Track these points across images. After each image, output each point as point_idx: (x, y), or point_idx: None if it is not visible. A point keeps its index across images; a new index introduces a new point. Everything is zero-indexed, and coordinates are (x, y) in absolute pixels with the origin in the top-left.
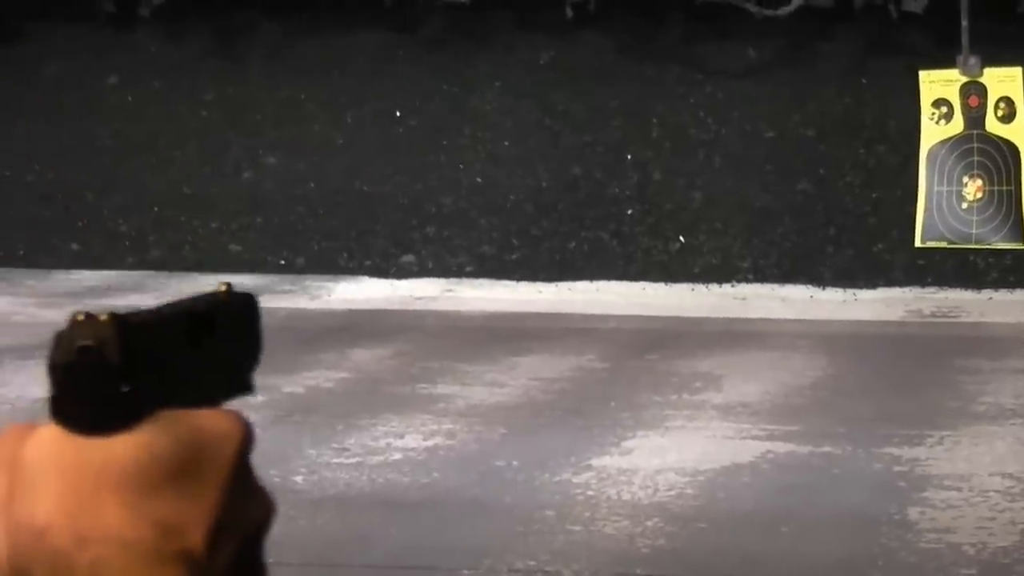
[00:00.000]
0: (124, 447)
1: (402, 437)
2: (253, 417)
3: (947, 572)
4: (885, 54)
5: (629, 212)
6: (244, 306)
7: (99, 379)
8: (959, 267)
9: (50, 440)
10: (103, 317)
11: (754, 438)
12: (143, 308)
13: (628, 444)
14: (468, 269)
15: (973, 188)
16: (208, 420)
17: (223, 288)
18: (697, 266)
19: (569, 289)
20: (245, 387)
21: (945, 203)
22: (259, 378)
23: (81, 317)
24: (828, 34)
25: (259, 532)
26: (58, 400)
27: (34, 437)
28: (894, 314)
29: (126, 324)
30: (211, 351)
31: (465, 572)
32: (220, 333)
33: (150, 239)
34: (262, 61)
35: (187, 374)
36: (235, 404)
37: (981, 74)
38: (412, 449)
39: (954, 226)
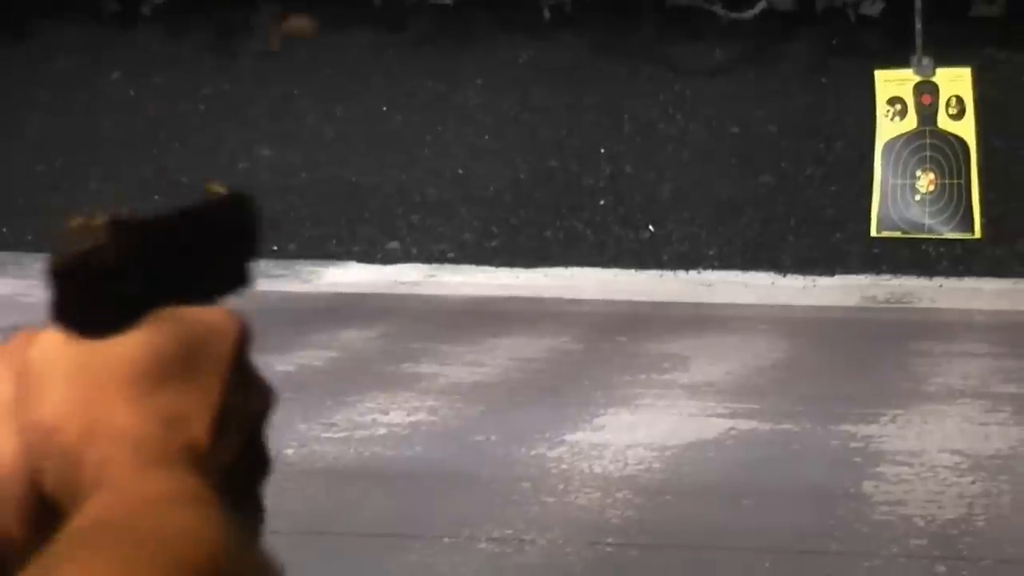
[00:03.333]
0: (125, 346)
1: (387, 413)
2: None
3: (899, 542)
4: (844, 55)
5: (602, 203)
6: (240, 205)
7: (98, 282)
8: (912, 256)
9: (54, 343)
10: (100, 220)
11: (718, 416)
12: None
13: (600, 421)
14: (450, 255)
15: (926, 181)
16: (206, 315)
17: (219, 189)
18: (666, 254)
19: (545, 275)
20: (243, 280)
21: (900, 195)
22: (253, 358)
23: (78, 222)
24: (790, 36)
25: (261, 422)
26: (59, 304)
27: (39, 341)
28: (850, 300)
29: (123, 226)
30: (208, 249)
31: (446, 540)
32: (217, 231)
33: None
34: (257, 58)
35: (185, 273)
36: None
37: (933, 74)
38: (396, 424)
39: (908, 217)
